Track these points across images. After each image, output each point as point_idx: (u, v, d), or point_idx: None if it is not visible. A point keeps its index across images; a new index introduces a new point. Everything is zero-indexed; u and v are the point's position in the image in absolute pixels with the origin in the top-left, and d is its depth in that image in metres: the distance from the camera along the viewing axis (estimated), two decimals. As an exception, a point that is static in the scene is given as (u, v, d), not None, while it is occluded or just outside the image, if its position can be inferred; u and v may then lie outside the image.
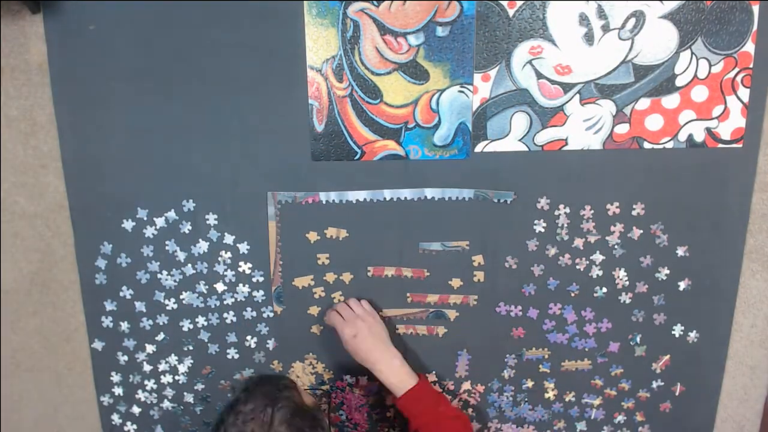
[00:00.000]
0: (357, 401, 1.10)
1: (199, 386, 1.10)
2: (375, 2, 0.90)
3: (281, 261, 1.03)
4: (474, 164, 0.97)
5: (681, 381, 1.07)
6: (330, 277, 1.04)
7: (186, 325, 1.07)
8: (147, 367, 1.09)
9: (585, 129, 0.95)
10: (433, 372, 1.08)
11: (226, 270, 1.03)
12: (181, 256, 1.03)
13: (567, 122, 0.94)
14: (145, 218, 1.01)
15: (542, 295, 1.03)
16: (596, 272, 1.01)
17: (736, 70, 0.91)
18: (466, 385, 1.09)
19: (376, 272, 1.03)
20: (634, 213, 0.98)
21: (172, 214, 1.01)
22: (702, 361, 1.06)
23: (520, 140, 0.95)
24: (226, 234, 1.02)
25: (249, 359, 1.08)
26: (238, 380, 1.09)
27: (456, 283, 1.03)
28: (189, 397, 1.11)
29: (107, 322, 1.07)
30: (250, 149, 0.97)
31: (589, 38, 0.90)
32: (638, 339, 1.05)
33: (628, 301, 1.03)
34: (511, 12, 0.90)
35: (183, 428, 1.13)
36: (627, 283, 1.02)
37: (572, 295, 1.03)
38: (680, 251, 1.00)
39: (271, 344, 1.07)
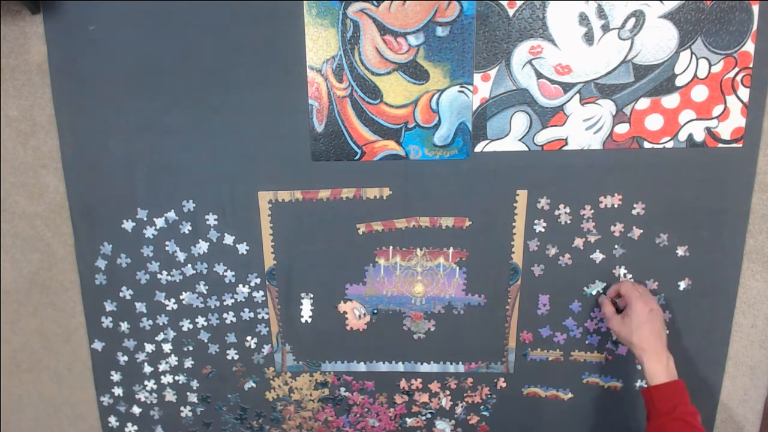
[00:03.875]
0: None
1: (199, 386, 1.10)
2: (375, 2, 0.90)
3: (279, 261, 1.03)
4: (474, 164, 0.97)
5: (681, 381, 1.07)
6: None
7: (186, 325, 1.07)
8: (147, 368, 1.09)
9: (585, 129, 0.95)
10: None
11: (225, 270, 1.03)
12: (181, 256, 1.03)
13: (567, 122, 0.94)
14: (145, 218, 1.01)
15: (542, 295, 1.03)
16: (596, 272, 1.01)
17: (736, 69, 0.91)
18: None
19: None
20: (634, 212, 0.98)
21: (172, 215, 1.01)
22: (702, 361, 1.06)
23: (520, 140, 0.95)
24: (226, 234, 1.02)
25: (249, 359, 1.08)
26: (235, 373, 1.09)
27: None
28: (189, 397, 1.11)
29: (107, 322, 1.07)
30: (250, 149, 0.97)
31: (589, 38, 0.90)
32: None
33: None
34: (511, 12, 0.90)
35: (183, 428, 1.13)
36: (627, 283, 1.02)
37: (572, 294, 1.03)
38: (680, 251, 1.00)
39: (269, 347, 1.07)
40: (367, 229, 1.00)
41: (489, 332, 1.05)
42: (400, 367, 1.08)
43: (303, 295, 1.05)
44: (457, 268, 1.02)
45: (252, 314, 1.06)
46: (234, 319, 1.06)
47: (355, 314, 1.04)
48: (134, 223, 1.02)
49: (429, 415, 1.11)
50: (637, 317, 0.92)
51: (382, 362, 1.08)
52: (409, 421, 1.12)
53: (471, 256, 1.01)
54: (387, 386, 1.10)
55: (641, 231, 0.99)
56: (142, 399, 1.11)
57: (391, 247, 1.01)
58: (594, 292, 1.02)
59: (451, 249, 1.01)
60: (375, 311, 1.04)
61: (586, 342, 1.05)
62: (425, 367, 1.08)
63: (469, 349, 1.07)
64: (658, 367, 0.89)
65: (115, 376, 1.10)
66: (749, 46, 0.90)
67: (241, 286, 1.04)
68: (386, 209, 0.99)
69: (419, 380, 1.09)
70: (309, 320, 1.06)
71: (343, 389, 1.10)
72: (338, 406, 1.12)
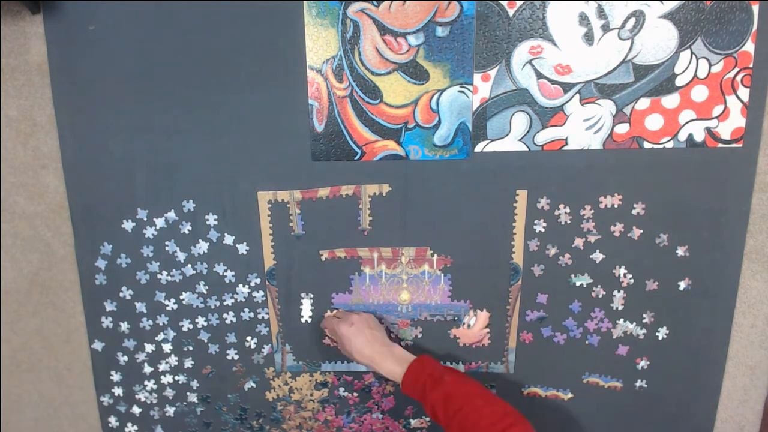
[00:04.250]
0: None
1: (200, 386, 1.10)
2: (375, 2, 0.90)
3: (279, 261, 1.03)
4: (474, 164, 0.97)
5: (681, 381, 1.07)
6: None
7: (186, 325, 1.07)
8: (147, 368, 1.09)
9: (585, 129, 0.95)
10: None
11: (225, 270, 1.03)
12: (181, 256, 1.03)
13: (567, 122, 0.94)
14: (145, 219, 1.01)
15: (542, 295, 1.03)
16: (596, 272, 1.01)
17: (736, 69, 0.91)
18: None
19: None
20: (634, 212, 0.98)
21: (172, 215, 1.01)
22: (702, 361, 1.06)
23: (520, 140, 0.95)
24: (225, 234, 1.02)
25: (249, 359, 1.08)
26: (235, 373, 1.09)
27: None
28: (189, 398, 1.11)
29: (107, 322, 1.07)
30: (250, 149, 0.97)
31: (589, 38, 0.90)
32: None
33: (628, 301, 1.03)
34: (511, 12, 0.90)
35: (183, 428, 1.13)
36: (627, 282, 1.02)
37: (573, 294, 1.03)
38: (680, 251, 1.00)
39: (269, 347, 1.07)
40: (330, 255, 1.01)
41: (490, 332, 1.05)
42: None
43: (303, 295, 1.05)
44: (442, 274, 1.02)
45: (252, 314, 1.06)
46: (234, 319, 1.06)
47: None
48: (134, 223, 1.02)
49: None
50: (346, 340, 0.95)
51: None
52: (413, 422, 1.12)
53: (455, 262, 1.02)
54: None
55: (641, 231, 0.99)
56: (142, 399, 1.11)
57: (376, 255, 1.02)
58: (578, 284, 1.02)
59: (435, 256, 1.01)
60: None
61: (586, 342, 1.05)
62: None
63: (469, 348, 1.07)
64: (390, 366, 0.91)
65: (115, 376, 1.10)
66: (749, 46, 0.90)
67: (241, 286, 1.04)
68: (381, 206, 0.99)
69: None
70: (309, 320, 1.06)
71: (342, 389, 1.10)
72: (337, 406, 1.11)
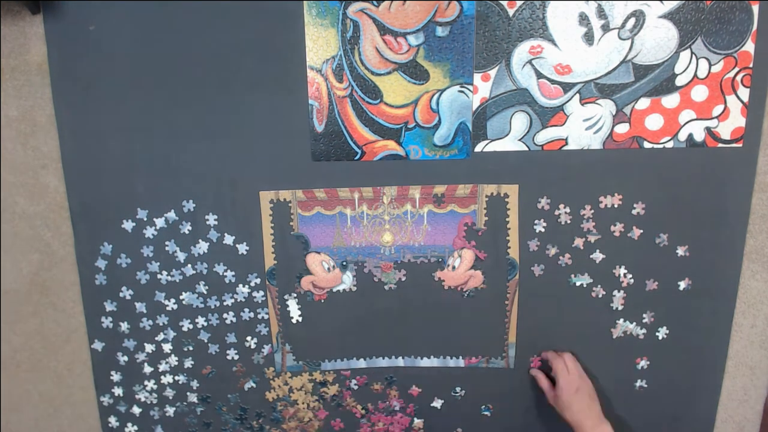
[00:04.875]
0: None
1: (199, 386, 1.10)
2: (375, 2, 0.90)
3: (279, 261, 1.03)
4: (474, 164, 0.97)
5: (681, 381, 1.07)
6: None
7: (186, 325, 1.07)
8: (147, 368, 1.09)
9: (585, 129, 0.95)
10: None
11: (225, 270, 1.03)
12: (181, 256, 1.03)
13: (567, 122, 0.94)
14: (145, 219, 1.01)
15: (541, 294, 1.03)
16: (596, 272, 1.01)
17: (736, 69, 0.91)
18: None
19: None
20: (634, 212, 0.98)
21: (172, 215, 1.01)
22: (702, 361, 1.06)
23: (520, 140, 0.95)
24: (226, 234, 1.02)
25: (249, 359, 1.08)
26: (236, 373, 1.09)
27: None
28: (189, 398, 1.11)
29: (107, 322, 1.07)
30: (250, 149, 0.97)
31: (589, 38, 0.90)
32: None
33: (628, 301, 1.03)
34: (511, 12, 0.90)
35: (183, 428, 1.13)
36: (627, 282, 1.02)
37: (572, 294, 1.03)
38: (680, 251, 1.00)
39: (269, 347, 1.07)
40: (308, 195, 0.98)
41: (488, 324, 1.05)
42: (400, 362, 1.08)
43: (287, 297, 1.05)
44: (425, 214, 1.00)
45: (252, 314, 1.06)
46: (234, 319, 1.06)
47: (323, 267, 1.03)
48: (134, 223, 1.02)
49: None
50: (566, 397, 0.96)
51: (381, 358, 1.08)
52: (416, 421, 1.12)
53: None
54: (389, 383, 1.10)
55: (641, 231, 0.99)
56: (142, 399, 1.11)
57: (357, 195, 1.00)
58: (578, 284, 1.02)
59: (418, 194, 0.99)
60: (344, 263, 1.03)
61: (586, 342, 1.05)
62: (425, 362, 1.08)
63: (468, 343, 1.07)
64: None
65: (115, 376, 1.10)
66: (749, 46, 0.90)
67: (241, 286, 1.04)
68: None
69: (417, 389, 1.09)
70: (299, 320, 1.06)
71: (342, 388, 1.10)
72: (340, 408, 1.11)
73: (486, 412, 1.11)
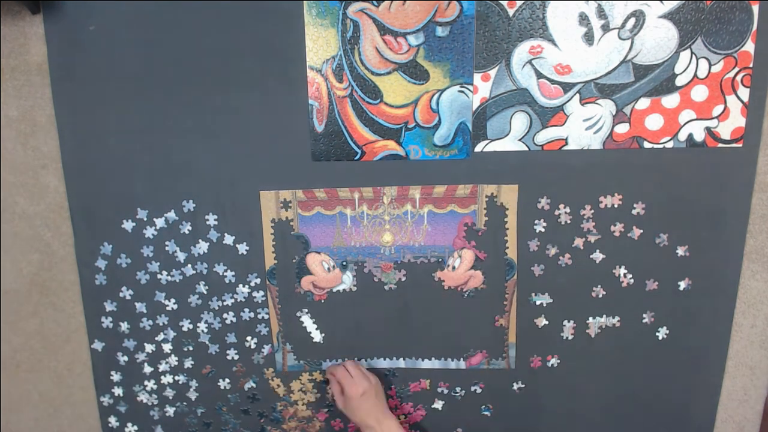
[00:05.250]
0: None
1: (200, 386, 1.10)
2: (375, 2, 0.90)
3: (279, 260, 1.03)
4: (474, 164, 0.97)
5: (681, 381, 1.07)
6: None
7: (186, 325, 1.07)
8: (147, 368, 1.09)
9: (585, 129, 0.95)
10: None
11: (225, 270, 1.03)
12: (181, 256, 1.03)
13: (567, 122, 0.94)
14: (145, 219, 1.01)
15: (541, 294, 1.03)
16: (596, 272, 1.01)
17: (736, 69, 0.91)
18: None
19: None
20: (634, 212, 0.98)
21: (172, 215, 1.01)
22: (702, 361, 1.06)
23: (520, 140, 0.95)
24: (226, 234, 1.02)
25: (249, 359, 1.08)
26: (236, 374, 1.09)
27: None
28: (189, 398, 1.11)
29: (107, 322, 1.07)
30: (250, 149, 0.97)
31: (589, 38, 0.90)
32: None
33: (627, 301, 1.03)
34: (510, 12, 0.90)
35: (183, 428, 1.13)
36: (627, 282, 1.02)
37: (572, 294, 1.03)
38: (680, 251, 1.00)
39: (269, 347, 1.07)
40: (308, 195, 0.99)
41: (488, 324, 1.05)
42: (401, 363, 1.08)
43: (299, 313, 1.06)
44: (425, 214, 1.00)
45: (252, 314, 1.06)
46: (234, 319, 1.06)
47: (323, 267, 1.03)
48: (134, 223, 1.02)
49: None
50: (354, 402, 0.97)
51: (382, 359, 1.08)
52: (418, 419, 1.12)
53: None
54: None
55: (641, 231, 0.99)
56: (143, 399, 1.11)
57: (357, 195, 1.00)
58: (538, 303, 1.03)
59: (418, 195, 0.99)
60: (344, 263, 1.03)
61: (586, 341, 1.05)
62: (426, 363, 1.08)
63: (468, 344, 1.07)
64: None
65: (115, 376, 1.10)
66: (749, 46, 0.90)
67: (241, 286, 1.04)
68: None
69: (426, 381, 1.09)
70: (321, 340, 1.07)
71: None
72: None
73: (486, 412, 1.11)
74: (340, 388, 1.00)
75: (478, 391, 1.09)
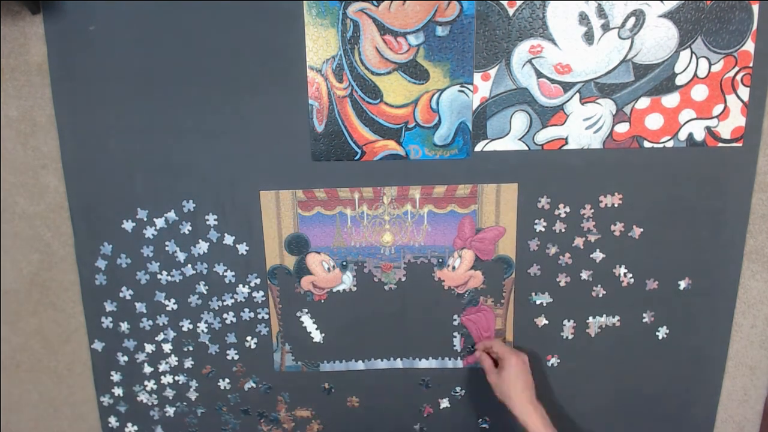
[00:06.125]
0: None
1: (200, 386, 1.10)
2: (375, 2, 0.90)
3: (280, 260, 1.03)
4: (474, 164, 0.97)
5: (681, 381, 1.07)
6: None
7: (186, 325, 1.07)
8: (147, 368, 1.09)
9: (585, 128, 0.95)
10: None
11: (225, 270, 1.03)
12: (181, 256, 1.03)
13: (567, 121, 0.94)
14: (145, 219, 1.01)
15: (541, 294, 1.03)
16: (596, 272, 1.01)
17: (736, 69, 0.91)
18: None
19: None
20: (634, 212, 0.98)
21: (172, 215, 1.01)
22: (702, 361, 1.06)
23: (520, 139, 0.95)
24: (226, 234, 1.02)
25: (249, 359, 1.08)
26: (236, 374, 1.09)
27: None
28: (189, 398, 1.11)
29: (107, 322, 1.07)
30: (249, 149, 0.97)
31: (589, 37, 0.90)
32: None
33: (628, 300, 1.03)
34: (511, 11, 0.90)
35: (183, 428, 1.13)
36: (627, 282, 1.02)
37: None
38: (680, 251, 1.00)
39: (269, 347, 1.07)
40: (308, 195, 0.99)
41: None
42: (399, 363, 1.08)
43: (299, 313, 1.05)
44: (425, 214, 1.00)
45: (252, 314, 1.06)
46: (234, 320, 1.06)
47: (323, 267, 1.03)
48: (134, 223, 1.02)
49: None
50: (514, 370, 0.94)
51: (380, 360, 1.08)
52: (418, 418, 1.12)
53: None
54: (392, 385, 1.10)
55: (641, 230, 0.99)
56: (143, 399, 1.11)
57: (357, 196, 0.99)
58: (538, 302, 1.02)
59: (418, 195, 0.99)
60: (344, 263, 1.03)
61: (586, 340, 1.05)
62: (424, 363, 1.08)
63: (467, 343, 1.07)
64: (538, 423, 0.90)
65: (115, 376, 1.10)
66: (749, 46, 0.90)
67: (241, 286, 1.04)
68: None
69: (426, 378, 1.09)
70: (321, 340, 1.07)
71: (342, 389, 1.10)
72: (338, 406, 1.11)
73: (484, 420, 1.11)
74: (492, 362, 0.99)
75: (478, 390, 1.09)
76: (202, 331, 1.07)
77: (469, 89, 0.93)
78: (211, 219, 1.01)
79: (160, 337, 1.08)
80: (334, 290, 1.04)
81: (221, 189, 0.99)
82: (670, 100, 0.93)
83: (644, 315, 1.04)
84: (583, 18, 0.89)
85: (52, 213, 1.02)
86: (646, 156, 0.95)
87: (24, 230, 1.03)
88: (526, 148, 0.96)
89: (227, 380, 1.10)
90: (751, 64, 0.91)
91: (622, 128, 0.94)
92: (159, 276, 1.04)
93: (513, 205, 0.98)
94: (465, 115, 0.94)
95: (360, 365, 1.08)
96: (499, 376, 0.96)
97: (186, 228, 1.02)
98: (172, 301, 1.05)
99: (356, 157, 0.97)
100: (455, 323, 1.05)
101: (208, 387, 1.11)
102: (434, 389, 1.09)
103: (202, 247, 1.02)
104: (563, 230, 0.99)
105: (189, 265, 1.03)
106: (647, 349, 1.05)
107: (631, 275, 1.01)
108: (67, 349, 1.10)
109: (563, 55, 0.91)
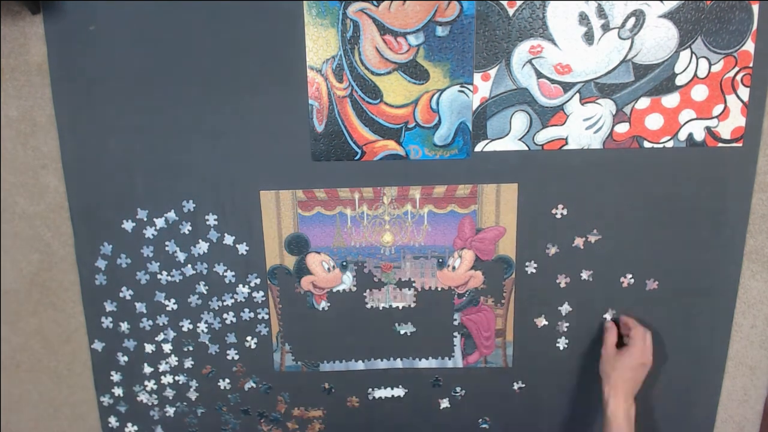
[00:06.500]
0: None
1: (200, 386, 1.10)
2: (375, 2, 0.90)
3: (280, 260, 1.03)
4: (474, 164, 0.97)
5: (681, 381, 1.07)
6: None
7: (186, 325, 1.07)
8: (147, 368, 1.09)
9: (585, 128, 0.95)
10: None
11: (225, 270, 1.03)
12: (181, 256, 1.03)
13: (567, 121, 0.94)
14: (145, 219, 1.01)
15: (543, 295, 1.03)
16: (596, 272, 1.01)
17: (736, 69, 0.91)
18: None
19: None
20: (634, 213, 0.98)
21: (172, 215, 1.01)
22: (702, 361, 1.06)
23: (520, 139, 0.95)
24: (226, 234, 1.02)
25: (249, 359, 1.08)
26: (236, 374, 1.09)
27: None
28: (189, 398, 1.11)
29: (107, 322, 1.07)
30: (250, 149, 0.97)
31: (589, 37, 0.90)
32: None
33: (628, 300, 1.03)
34: (511, 11, 0.90)
35: (183, 428, 1.13)
36: (627, 283, 1.02)
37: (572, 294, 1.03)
38: (680, 251, 1.00)
39: (269, 347, 1.07)
40: (308, 195, 0.99)
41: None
42: (399, 363, 1.08)
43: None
44: (425, 214, 1.00)
45: (252, 314, 1.06)
46: (234, 320, 1.06)
47: (323, 267, 1.03)
48: (134, 224, 1.02)
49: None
50: (630, 361, 0.95)
51: (380, 360, 1.08)
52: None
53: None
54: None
55: (641, 230, 0.99)
56: (143, 399, 1.11)
57: (357, 196, 1.00)
58: (538, 302, 1.03)
59: (418, 195, 0.99)
60: (344, 263, 1.03)
61: (585, 340, 1.05)
62: (423, 363, 1.08)
63: (467, 343, 1.07)
64: (619, 410, 0.92)
65: (115, 376, 1.10)
66: (749, 46, 0.90)
67: (241, 286, 1.04)
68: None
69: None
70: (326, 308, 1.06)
71: (342, 389, 1.10)
72: (338, 406, 1.11)
73: (485, 420, 1.11)
74: (615, 340, 0.99)
75: (479, 390, 1.09)
76: (202, 331, 1.07)
77: (469, 89, 0.93)
78: (211, 219, 1.01)
79: (160, 337, 1.08)
80: (334, 290, 1.04)
81: (221, 189, 0.99)
82: (670, 100, 0.93)
83: (644, 315, 1.03)
84: (583, 18, 0.89)
85: (52, 213, 1.02)
86: (646, 156, 0.95)
87: (24, 230, 1.03)
88: (526, 149, 0.96)
89: (227, 380, 1.10)
90: (751, 65, 0.91)
91: (622, 128, 0.94)
92: (159, 276, 1.04)
93: (513, 205, 0.98)
94: (465, 115, 0.94)
95: (360, 365, 1.09)
96: (614, 356, 0.97)
97: (186, 228, 1.02)
98: (172, 301, 1.05)
99: (356, 157, 0.97)
100: (455, 323, 1.05)
101: (208, 387, 1.11)
102: (434, 389, 1.09)
103: (202, 247, 1.02)
104: (563, 230, 0.99)
105: (189, 265, 1.03)
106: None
107: (631, 275, 1.01)
108: (67, 349, 1.10)
109: (563, 56, 0.91)
